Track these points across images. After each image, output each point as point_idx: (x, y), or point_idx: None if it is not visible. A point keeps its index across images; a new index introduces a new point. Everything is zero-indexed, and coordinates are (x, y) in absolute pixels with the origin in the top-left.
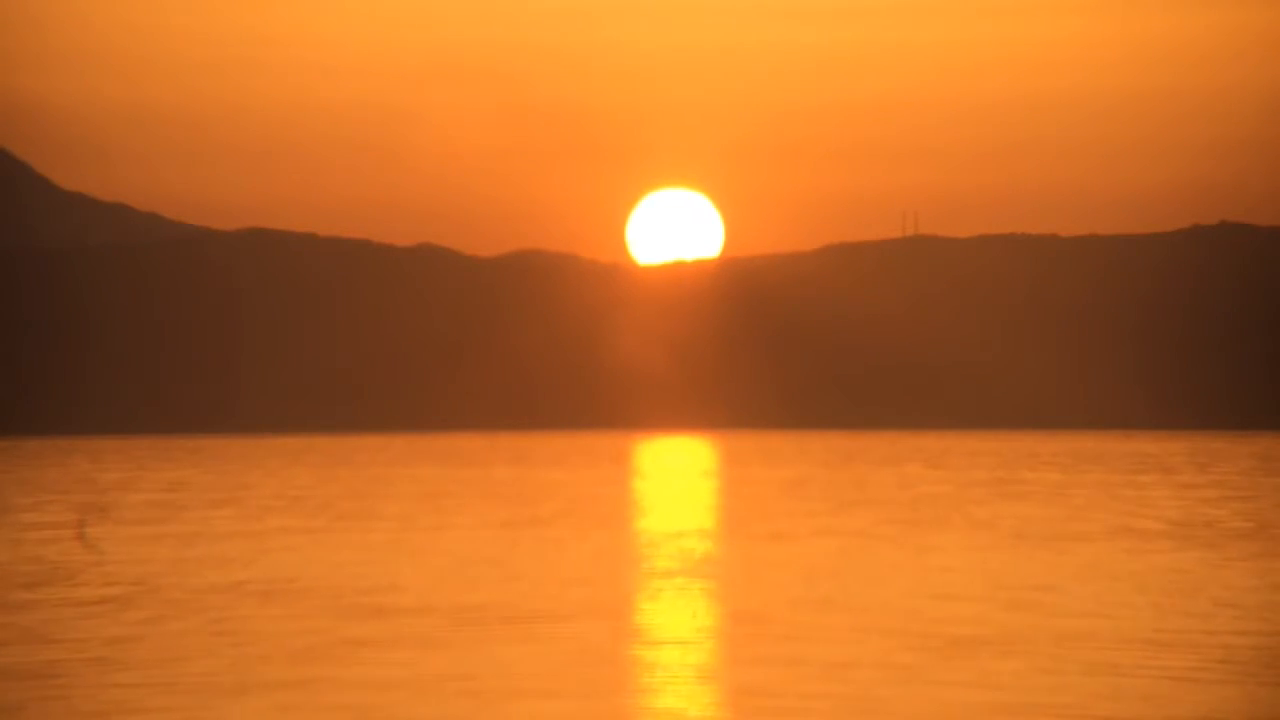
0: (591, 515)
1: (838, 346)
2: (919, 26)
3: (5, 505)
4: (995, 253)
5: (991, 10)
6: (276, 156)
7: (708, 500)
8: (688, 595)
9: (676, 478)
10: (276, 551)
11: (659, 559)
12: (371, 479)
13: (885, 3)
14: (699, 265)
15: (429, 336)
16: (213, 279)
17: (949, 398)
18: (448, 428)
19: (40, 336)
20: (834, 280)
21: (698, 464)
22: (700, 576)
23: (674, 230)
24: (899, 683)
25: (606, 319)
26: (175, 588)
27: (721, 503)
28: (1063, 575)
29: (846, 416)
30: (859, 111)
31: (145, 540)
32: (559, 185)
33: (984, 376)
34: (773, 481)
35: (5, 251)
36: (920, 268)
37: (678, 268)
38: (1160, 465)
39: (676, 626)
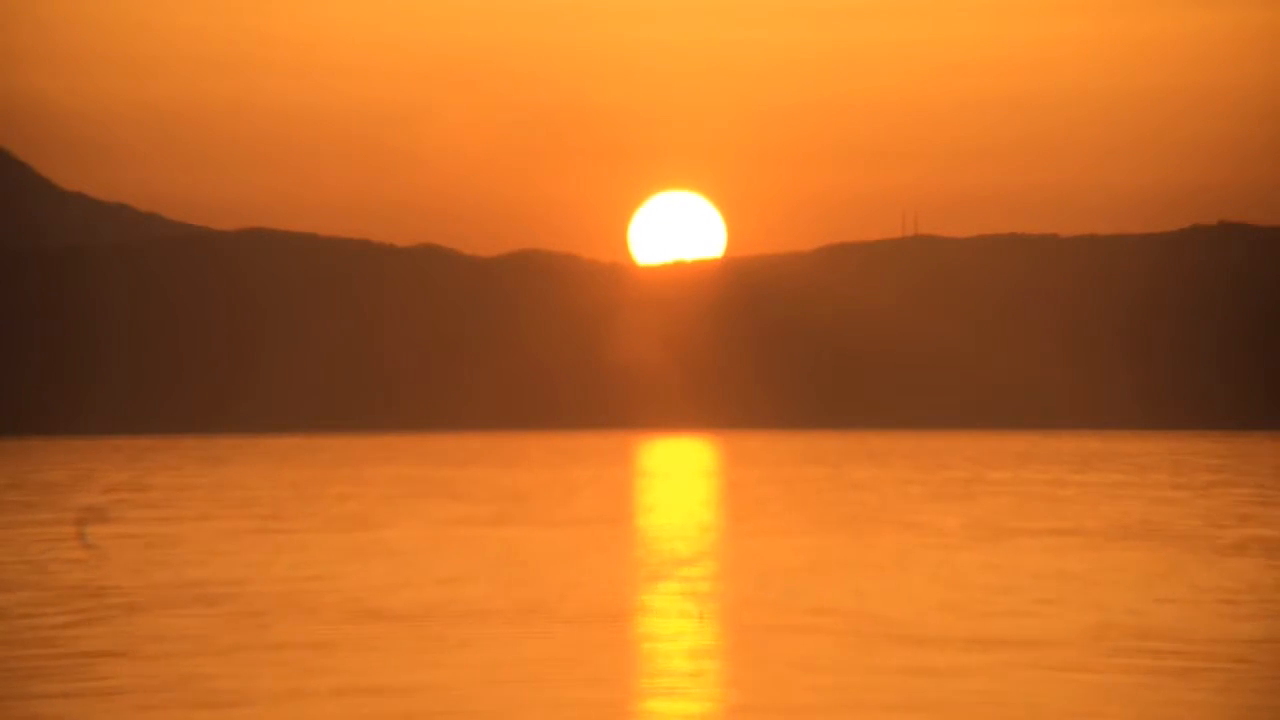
0: (591, 516)
1: (838, 346)
2: (918, 26)
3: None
4: (995, 253)
5: (991, 10)
6: (276, 156)
7: (706, 501)
8: (688, 595)
9: (675, 479)
10: (242, 553)
11: (657, 560)
12: (370, 480)
13: (883, 2)
14: (699, 265)
15: (429, 337)
16: (213, 279)
17: (949, 397)
18: (448, 428)
19: (41, 337)
20: (834, 280)
21: (697, 465)
22: (699, 577)
23: (674, 231)
24: (897, 682)
25: (607, 319)
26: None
27: (720, 503)
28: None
29: (846, 416)
30: (858, 112)
31: (132, 542)
32: (560, 185)
33: (984, 376)
34: (771, 482)
35: (5, 252)
36: (919, 268)
37: (678, 268)
38: (1139, 466)
39: (677, 626)
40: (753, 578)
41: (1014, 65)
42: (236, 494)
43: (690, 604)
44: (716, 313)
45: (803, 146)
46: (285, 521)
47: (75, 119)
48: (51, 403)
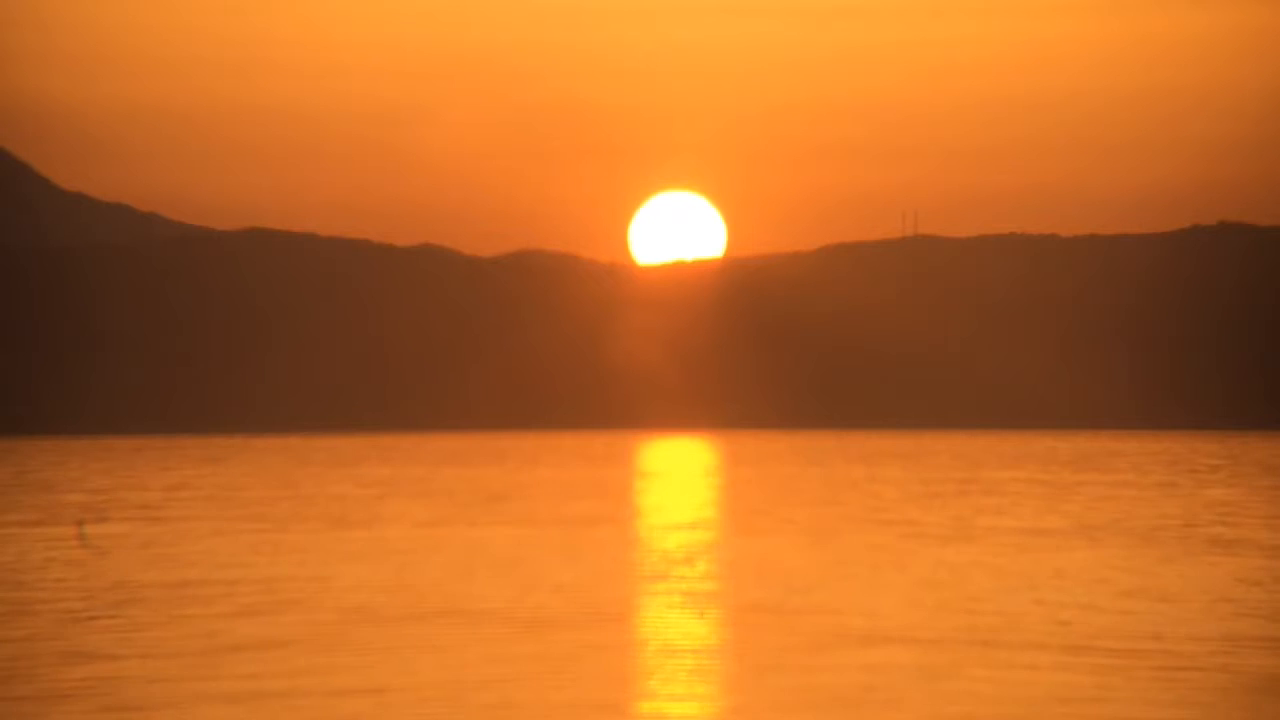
0: (590, 516)
1: (838, 346)
2: (918, 26)
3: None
4: (995, 252)
5: (991, 9)
6: (276, 156)
7: (705, 501)
8: (686, 595)
9: (675, 479)
10: (240, 553)
11: (656, 560)
12: (369, 480)
13: (883, 2)
14: (699, 265)
15: (429, 337)
16: (213, 279)
17: (948, 397)
18: (448, 428)
19: (41, 336)
20: (834, 280)
21: (697, 465)
22: (698, 577)
23: (674, 231)
24: (902, 682)
25: (607, 319)
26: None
27: (719, 503)
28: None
29: (846, 416)
30: (859, 111)
31: (128, 542)
32: (560, 185)
33: (984, 376)
34: (770, 482)
35: (6, 251)
36: (920, 267)
37: (678, 268)
38: (1137, 466)
39: (676, 626)
40: (751, 578)
41: (1014, 65)
42: (235, 494)
43: (689, 604)
44: (716, 313)
45: (803, 146)
46: (283, 521)
47: (75, 119)
48: (51, 403)
